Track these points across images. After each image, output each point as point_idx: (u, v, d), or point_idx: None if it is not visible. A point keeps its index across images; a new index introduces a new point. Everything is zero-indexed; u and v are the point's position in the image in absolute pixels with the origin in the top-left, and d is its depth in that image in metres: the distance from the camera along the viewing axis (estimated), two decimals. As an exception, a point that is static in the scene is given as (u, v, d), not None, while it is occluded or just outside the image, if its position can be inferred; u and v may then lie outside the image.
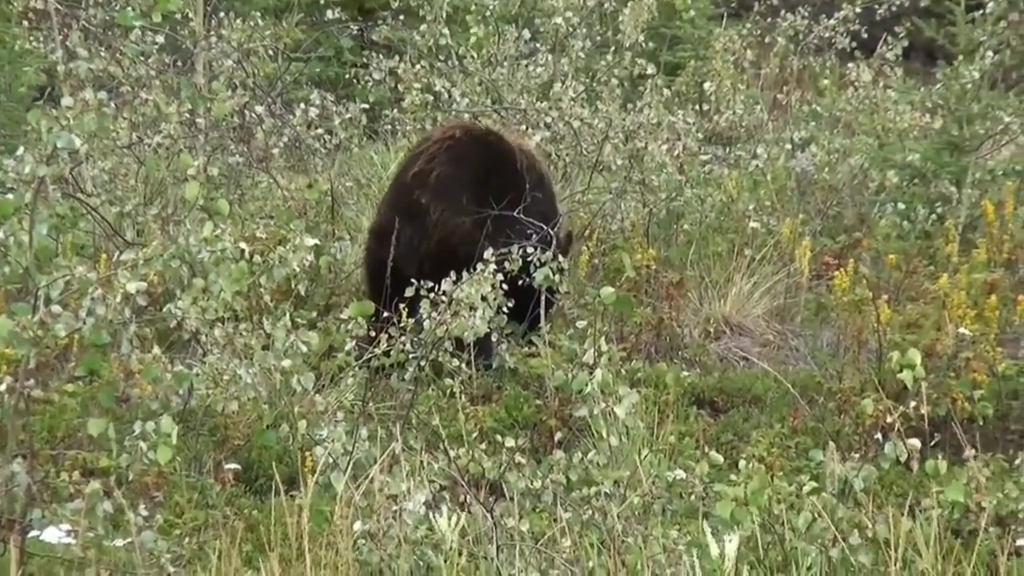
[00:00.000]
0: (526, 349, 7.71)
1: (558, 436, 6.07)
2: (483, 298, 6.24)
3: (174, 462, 5.22)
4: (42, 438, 6.25)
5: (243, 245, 5.17)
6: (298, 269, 5.62)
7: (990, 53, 9.94)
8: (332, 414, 5.67)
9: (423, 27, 10.69)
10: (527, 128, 9.69)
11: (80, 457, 5.70)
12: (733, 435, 6.95)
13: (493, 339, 7.28)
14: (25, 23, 10.43)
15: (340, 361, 6.76)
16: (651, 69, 10.32)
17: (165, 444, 4.75)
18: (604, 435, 5.38)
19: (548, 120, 9.66)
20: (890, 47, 11.34)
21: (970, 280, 7.90)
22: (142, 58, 8.76)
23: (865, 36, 11.37)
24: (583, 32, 10.79)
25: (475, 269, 6.30)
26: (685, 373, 7.54)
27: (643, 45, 10.97)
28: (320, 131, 9.69)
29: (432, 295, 6.39)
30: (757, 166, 10.08)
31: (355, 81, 11.18)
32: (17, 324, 4.65)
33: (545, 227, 7.57)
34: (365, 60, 11.02)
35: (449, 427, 6.41)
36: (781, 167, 10.37)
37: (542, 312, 7.34)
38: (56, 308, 4.73)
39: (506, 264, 6.70)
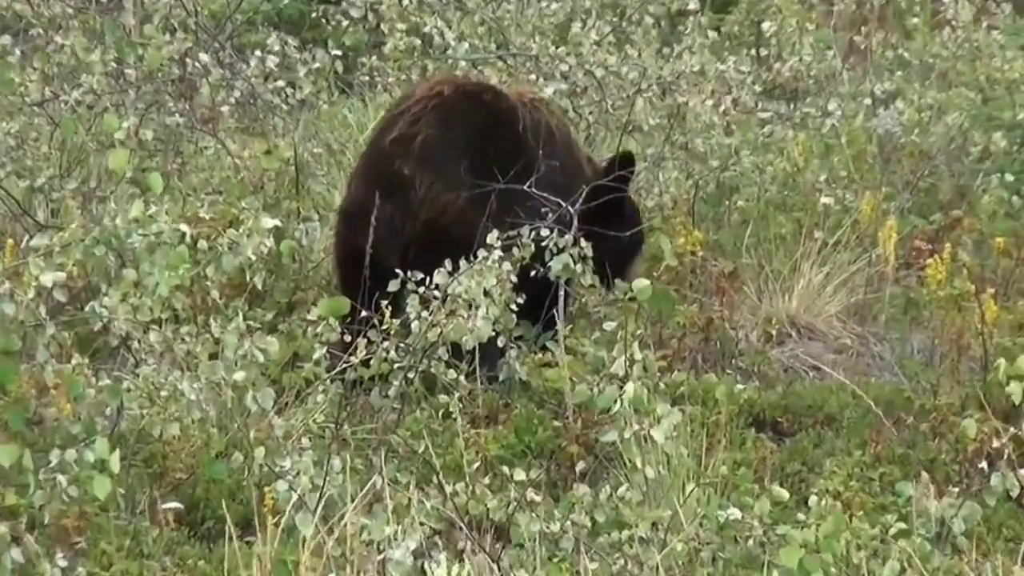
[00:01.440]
0: (540, 357, 7.71)
1: (581, 466, 6.09)
2: (486, 293, 6.24)
3: (110, 498, 5.22)
4: (-66, 470, 6.27)
5: (184, 227, 5.19)
6: (254, 257, 5.64)
7: (1121, -16, 9.95)
8: (297, 440, 5.68)
9: (409, -47, 10.71)
10: (539, 79, 9.68)
11: (-18, 494, 5.72)
12: (801, 464, 6.95)
13: (499, 345, 7.27)
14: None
15: (307, 373, 6.76)
16: (694, 4, 10.32)
17: (103, 473, 4.75)
18: (638, 465, 5.38)
19: (565, 69, 9.65)
20: (996, -23, 11.35)
21: (1097, 270, 7.91)
22: (57, -7, 8.77)
23: (965, -37, 11.37)
24: (610, -42, 10.82)
25: (473, 256, 6.30)
26: (740, 387, 7.53)
27: (685, -27, 10.99)
28: (280, 84, 9.67)
29: (422, 289, 6.38)
30: (833, 126, 10.06)
31: (324, 21, 11.17)
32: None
33: (563, 203, 7.55)
34: (337, -6, 11.03)
35: (444, 456, 6.42)
36: (859, 128, 10.34)
37: (560, 311, 7.34)
38: (-49, 307, 4.75)
39: (514, 250, 6.70)
